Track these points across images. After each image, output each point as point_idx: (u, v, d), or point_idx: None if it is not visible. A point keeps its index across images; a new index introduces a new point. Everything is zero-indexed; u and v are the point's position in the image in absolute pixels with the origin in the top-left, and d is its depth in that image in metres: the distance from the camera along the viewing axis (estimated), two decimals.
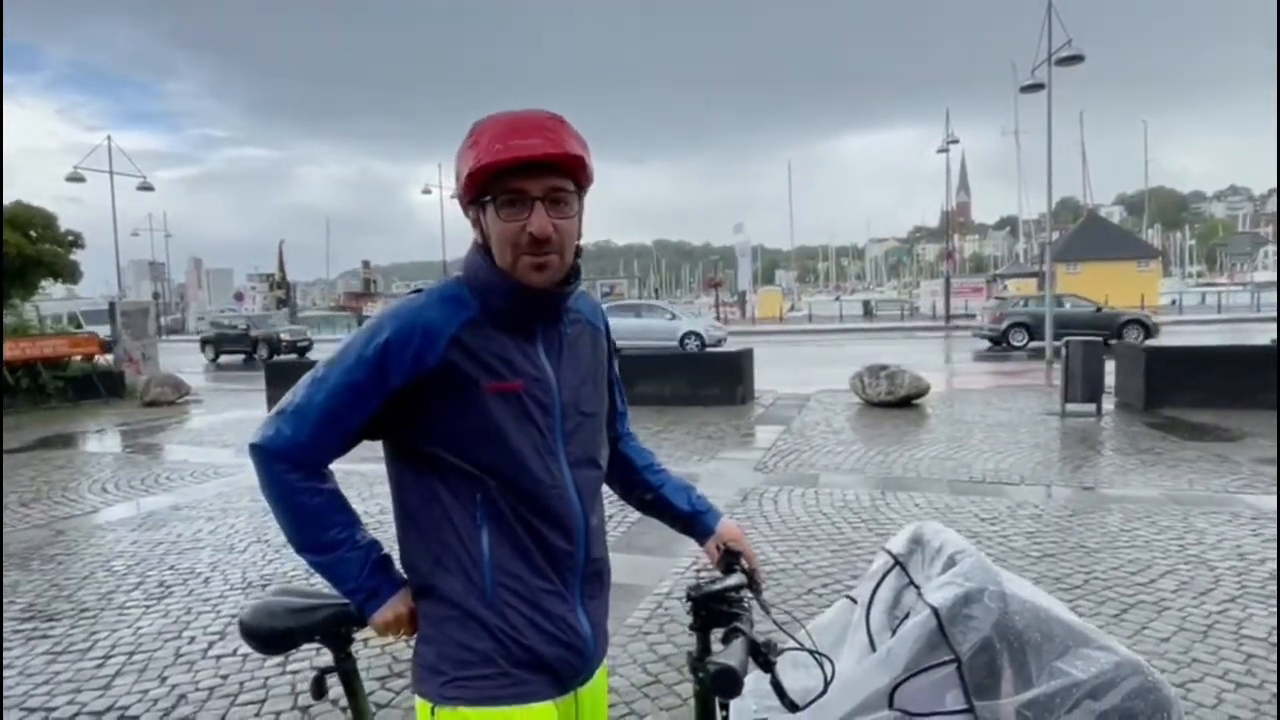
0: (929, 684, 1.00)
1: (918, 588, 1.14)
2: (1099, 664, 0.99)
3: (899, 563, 1.23)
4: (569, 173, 1.23)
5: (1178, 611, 3.70)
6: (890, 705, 1.03)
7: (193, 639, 3.73)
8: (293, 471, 1.26)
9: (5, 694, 3.25)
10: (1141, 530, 4.91)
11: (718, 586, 1.31)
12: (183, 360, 23.63)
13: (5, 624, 3.98)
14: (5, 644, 3.73)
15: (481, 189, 1.22)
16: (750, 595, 1.32)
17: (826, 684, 1.15)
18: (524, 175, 1.19)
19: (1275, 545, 4.53)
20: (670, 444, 8.29)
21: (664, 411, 10.41)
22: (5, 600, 4.32)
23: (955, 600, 1.02)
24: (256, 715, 3.03)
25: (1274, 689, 2.98)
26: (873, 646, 1.14)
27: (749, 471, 6.89)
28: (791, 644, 1.28)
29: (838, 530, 5.11)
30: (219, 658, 3.50)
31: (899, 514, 5.45)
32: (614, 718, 2.92)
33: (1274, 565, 4.22)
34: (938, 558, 1.14)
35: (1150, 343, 15.08)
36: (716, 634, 1.28)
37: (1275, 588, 3.92)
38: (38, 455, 8.91)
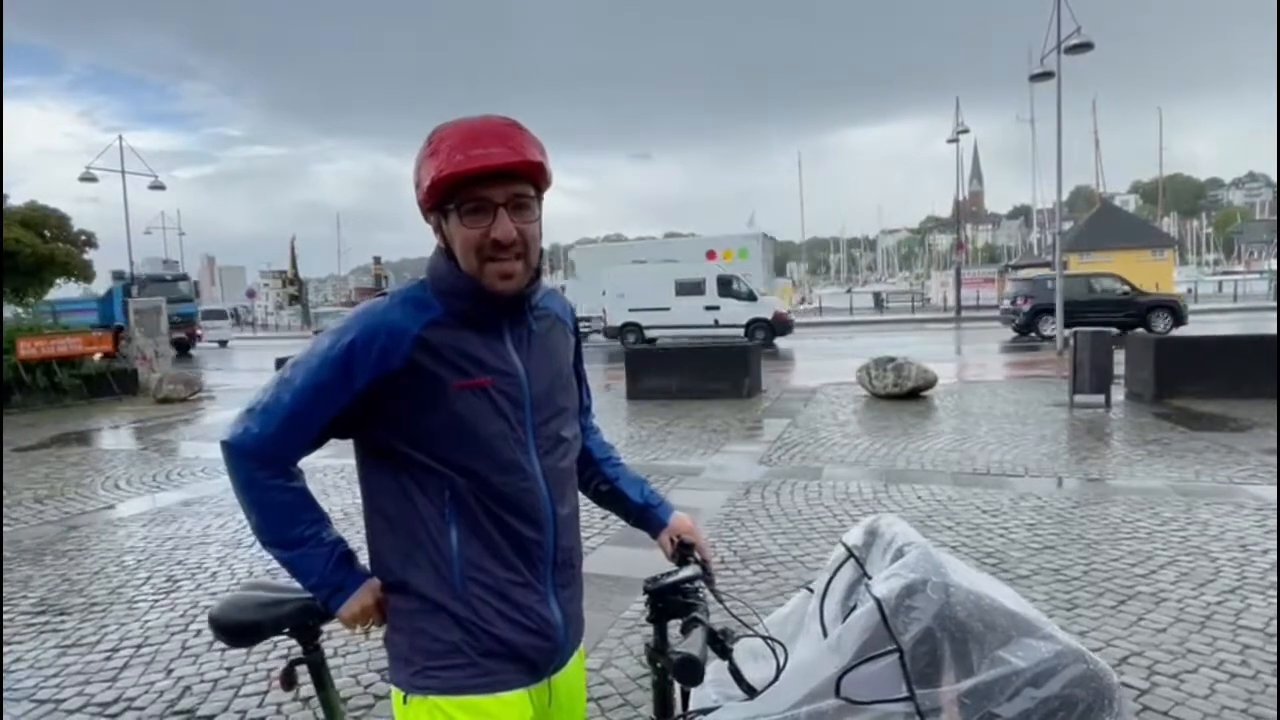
0: (873, 673, 1.03)
1: (868, 579, 1.17)
2: (1040, 652, 1.01)
3: (853, 555, 1.26)
4: (529, 178, 1.27)
5: (1176, 602, 3.70)
6: (837, 694, 1.05)
7: (199, 632, 3.80)
8: (261, 469, 1.30)
9: (16, 686, 3.33)
10: (1144, 521, 4.90)
11: (673, 579, 1.34)
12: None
13: (18, 619, 4.07)
14: (17, 638, 3.82)
15: (444, 197, 1.25)
16: (704, 586, 1.35)
17: (779, 669, 1.18)
18: (487, 183, 1.23)
19: (1276, 536, 4.51)
20: (675, 437, 8.32)
21: (670, 405, 10.44)
22: (19, 595, 4.42)
23: (898, 591, 1.05)
24: (259, 706, 3.09)
25: (1267, 679, 2.98)
26: (825, 635, 1.17)
27: (753, 465, 6.91)
28: (748, 632, 1.31)
29: (838, 523, 5.12)
30: (224, 650, 3.56)
31: (900, 506, 5.45)
32: (608, 708, 2.96)
33: (1275, 555, 4.21)
34: (889, 550, 1.17)
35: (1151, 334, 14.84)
36: (673, 625, 1.31)
37: (1275, 578, 3.91)
38: (52, 452, 9.05)
